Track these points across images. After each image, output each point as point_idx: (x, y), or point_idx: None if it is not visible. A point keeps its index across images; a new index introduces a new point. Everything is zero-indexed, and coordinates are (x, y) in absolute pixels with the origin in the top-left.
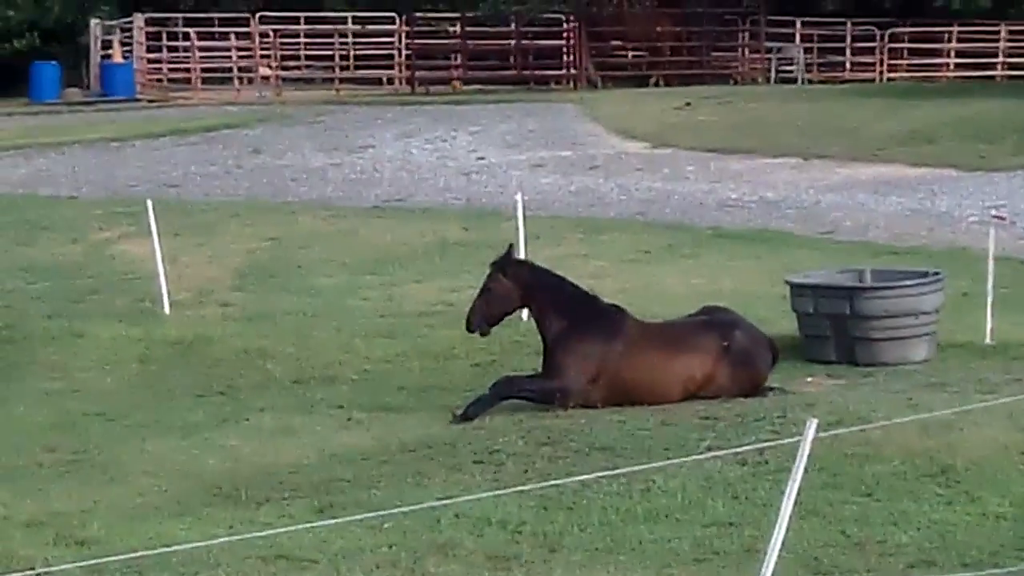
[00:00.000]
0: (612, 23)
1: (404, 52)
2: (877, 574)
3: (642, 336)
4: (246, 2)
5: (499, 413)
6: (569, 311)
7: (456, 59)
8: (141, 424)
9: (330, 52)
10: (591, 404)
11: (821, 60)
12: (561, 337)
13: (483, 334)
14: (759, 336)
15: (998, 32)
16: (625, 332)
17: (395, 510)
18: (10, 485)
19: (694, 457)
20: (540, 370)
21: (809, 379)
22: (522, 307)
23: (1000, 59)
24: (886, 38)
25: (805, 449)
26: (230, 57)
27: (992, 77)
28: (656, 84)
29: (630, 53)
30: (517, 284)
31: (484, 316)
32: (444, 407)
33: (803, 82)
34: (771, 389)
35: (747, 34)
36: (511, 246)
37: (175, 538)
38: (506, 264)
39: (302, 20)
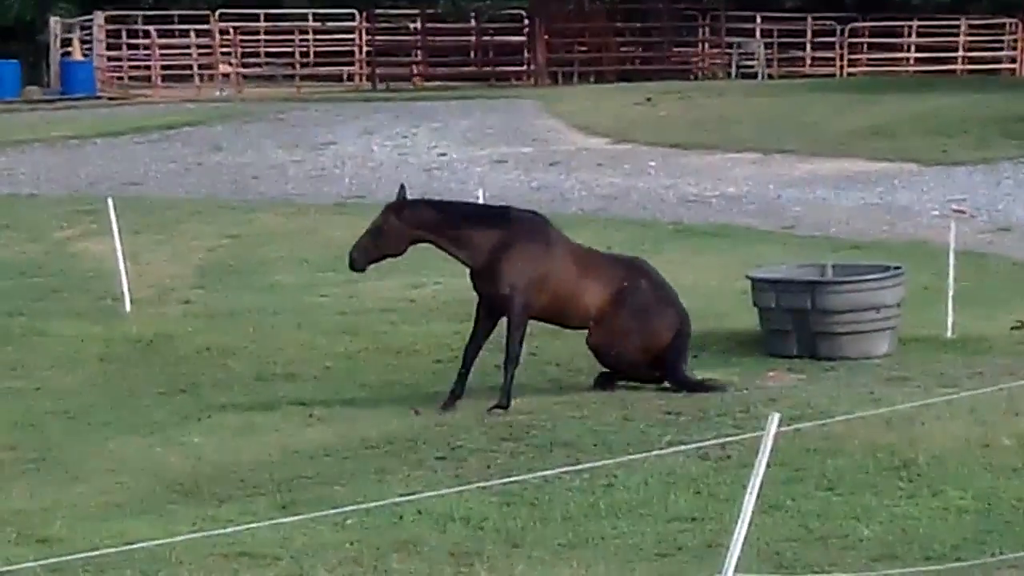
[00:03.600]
0: (569, 19)
1: (365, 49)
2: (839, 568)
3: (566, 246)
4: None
5: (461, 408)
6: (492, 225)
7: (417, 55)
8: (103, 422)
9: (290, 49)
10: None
11: (782, 55)
12: (500, 248)
13: (360, 271)
14: (667, 296)
15: (958, 26)
16: (557, 237)
17: (357, 507)
18: None
19: (656, 452)
20: (480, 297)
21: (771, 373)
22: (413, 243)
23: (960, 53)
24: (846, 33)
25: (767, 443)
26: (190, 55)
27: (952, 71)
28: (598, 81)
29: (586, 48)
30: (411, 225)
31: (369, 256)
32: (406, 404)
33: (763, 77)
34: (716, 388)
35: (707, 29)
36: (402, 186)
37: (137, 536)
38: (400, 206)
39: (262, 17)
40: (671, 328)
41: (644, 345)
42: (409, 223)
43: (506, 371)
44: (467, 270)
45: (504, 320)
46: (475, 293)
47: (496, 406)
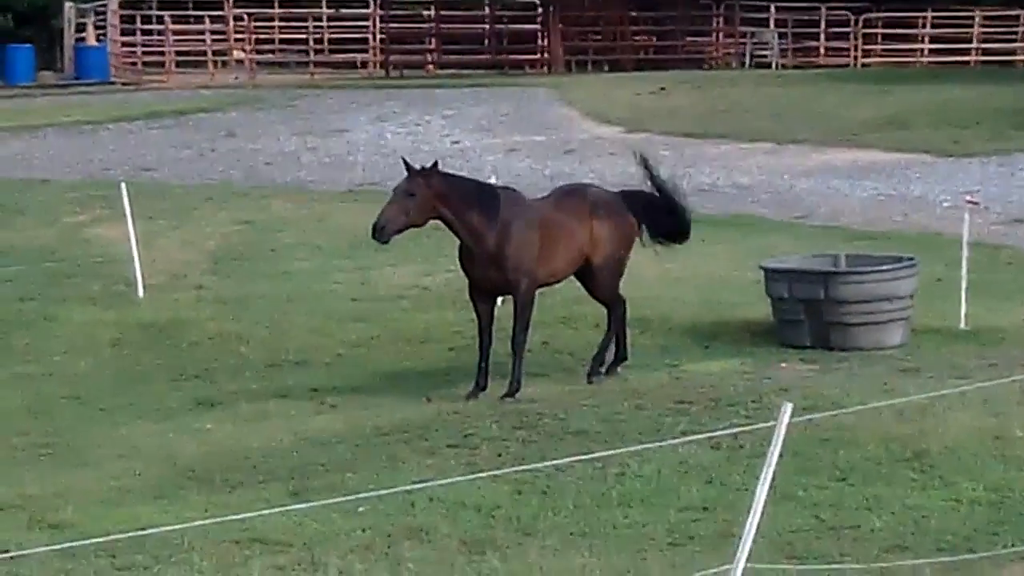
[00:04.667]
0: (584, 8)
1: (378, 36)
2: (851, 558)
3: (538, 208)
4: None
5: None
6: (489, 207)
7: (430, 43)
8: (115, 408)
9: (304, 36)
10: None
11: (796, 45)
12: (502, 233)
13: (386, 242)
14: (612, 193)
15: (972, 17)
16: (531, 204)
17: (369, 494)
18: None
19: (668, 441)
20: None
21: (783, 364)
22: (434, 218)
23: (974, 44)
24: (860, 23)
25: (780, 433)
26: (204, 41)
27: (966, 62)
28: (612, 70)
29: (601, 37)
30: (435, 195)
31: (397, 224)
32: (418, 391)
33: (777, 67)
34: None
35: (721, 18)
36: (436, 161)
37: (149, 522)
38: (429, 174)
39: (276, 4)
40: (630, 213)
41: (629, 241)
42: (435, 192)
43: (514, 355)
44: (456, 255)
45: (502, 307)
46: (467, 277)
47: (507, 394)
